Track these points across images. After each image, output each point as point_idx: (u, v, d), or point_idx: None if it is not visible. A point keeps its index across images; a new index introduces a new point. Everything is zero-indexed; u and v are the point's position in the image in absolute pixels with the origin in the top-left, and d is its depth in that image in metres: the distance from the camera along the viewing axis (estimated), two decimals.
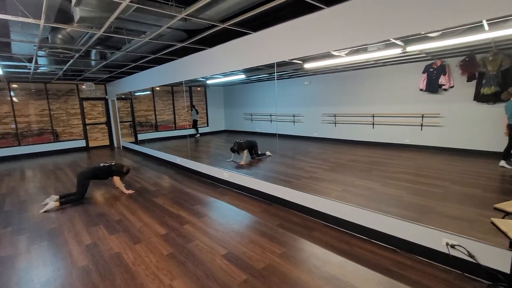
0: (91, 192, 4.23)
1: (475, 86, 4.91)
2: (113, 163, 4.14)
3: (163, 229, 2.93)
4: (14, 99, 7.79)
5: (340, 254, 2.36)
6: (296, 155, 6.14)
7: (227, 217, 3.22)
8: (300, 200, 3.21)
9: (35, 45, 3.78)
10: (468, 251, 1.97)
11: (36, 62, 5.00)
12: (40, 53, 4.39)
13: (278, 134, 9.00)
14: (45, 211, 3.55)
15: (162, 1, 2.71)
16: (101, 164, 4.10)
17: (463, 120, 5.20)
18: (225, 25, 3.13)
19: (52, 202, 3.64)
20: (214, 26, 3.26)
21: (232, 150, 5.39)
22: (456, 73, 5.12)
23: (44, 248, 2.63)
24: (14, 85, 7.74)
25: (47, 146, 8.34)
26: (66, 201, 3.76)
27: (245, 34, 3.52)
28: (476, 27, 2.40)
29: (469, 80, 4.95)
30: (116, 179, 4.15)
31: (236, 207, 3.53)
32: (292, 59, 3.30)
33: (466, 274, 2.00)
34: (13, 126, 7.79)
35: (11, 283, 2.11)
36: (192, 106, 10.01)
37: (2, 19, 2.87)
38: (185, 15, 2.79)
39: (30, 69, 5.64)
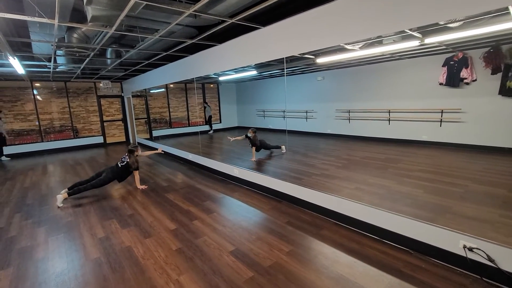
0: (106, 187, 4.36)
1: (500, 79, 4.62)
2: (127, 160, 4.19)
3: (173, 224, 2.97)
4: (38, 97, 8.17)
5: (349, 253, 2.29)
6: (308, 152, 6.05)
7: (236, 214, 3.22)
8: (310, 197, 3.15)
9: (52, 45, 3.91)
10: (487, 255, 1.86)
11: (55, 61, 5.19)
12: (58, 52, 4.55)
13: (291, 130, 8.93)
14: (59, 206, 3.68)
15: None
16: (119, 164, 4.16)
17: (486, 116, 4.92)
18: (233, 20, 3.10)
19: (60, 195, 3.74)
20: (223, 21, 3.23)
21: (247, 136, 5.42)
22: (480, 66, 4.83)
23: (60, 240, 2.74)
24: (37, 84, 8.11)
25: (68, 142, 8.70)
26: (74, 191, 3.84)
27: (254, 29, 3.47)
28: (502, 15, 2.23)
29: (493, 73, 4.66)
30: (136, 173, 4.30)
31: (245, 203, 3.53)
32: (302, 54, 3.22)
33: (484, 279, 1.88)
34: (37, 123, 8.18)
35: (29, 272, 2.22)
36: (205, 102, 10.10)
37: (22, 20, 2.99)
38: (194, 11, 2.78)
39: (50, 68, 5.87)
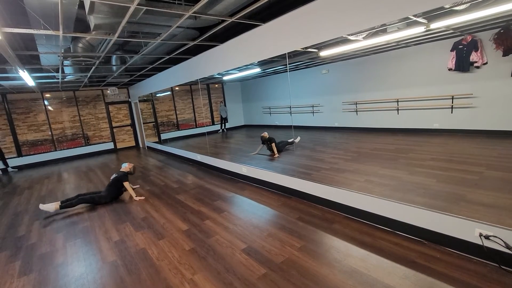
0: None
1: None
2: (117, 174, 4.16)
3: (185, 225, 3.02)
4: (49, 107, 8.40)
5: (362, 246, 2.27)
6: (316, 146, 6.01)
7: (246, 212, 3.24)
8: (320, 192, 3.14)
9: (59, 55, 4.01)
10: (505, 242, 1.81)
11: (63, 71, 5.32)
12: (65, 62, 4.66)
13: (298, 126, 8.88)
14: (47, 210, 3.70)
15: (170, 0, 2.74)
16: (112, 178, 4.16)
17: (499, 99, 4.76)
18: (233, 19, 3.10)
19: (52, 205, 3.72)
20: (223, 21, 3.24)
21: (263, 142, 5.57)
22: (490, 48, 4.67)
23: (78, 245, 2.83)
24: (47, 95, 8.34)
25: (79, 149, 8.93)
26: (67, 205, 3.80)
27: (255, 26, 3.46)
28: None
29: (505, 54, 4.49)
30: (127, 185, 4.08)
31: (255, 201, 3.54)
32: (305, 48, 3.19)
33: (503, 267, 1.83)
34: (50, 133, 8.42)
35: (50, 277, 2.30)
36: (221, 102, 10.25)
37: (28, 33, 3.08)
38: (193, 13, 2.79)
39: (58, 78, 6.02)
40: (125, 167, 4.34)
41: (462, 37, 4.94)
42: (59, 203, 3.79)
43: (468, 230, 1.98)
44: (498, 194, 2.68)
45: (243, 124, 11.34)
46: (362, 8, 2.33)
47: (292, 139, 6.11)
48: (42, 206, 3.70)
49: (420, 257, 2.05)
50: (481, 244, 1.91)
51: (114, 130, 9.68)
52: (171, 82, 6.50)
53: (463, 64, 5.02)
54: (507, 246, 1.80)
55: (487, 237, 1.88)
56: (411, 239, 2.31)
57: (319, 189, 3.15)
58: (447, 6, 2.36)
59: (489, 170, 3.34)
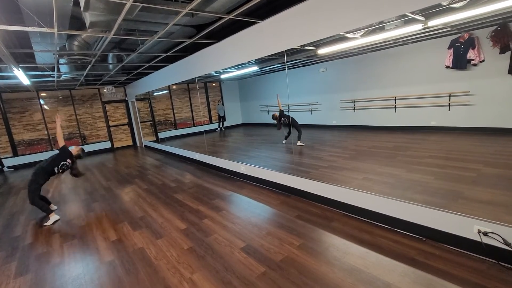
0: (116, 190, 4.42)
1: (509, 58, 4.47)
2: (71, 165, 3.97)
3: (183, 224, 3.00)
4: (45, 106, 8.31)
5: (361, 244, 2.27)
6: (315, 144, 6.01)
7: (245, 210, 3.22)
8: (319, 190, 3.13)
9: (54, 54, 3.95)
10: (503, 239, 1.81)
11: (58, 70, 5.26)
12: (61, 61, 4.61)
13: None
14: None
15: None
16: (56, 170, 3.93)
17: (496, 97, 4.77)
18: (231, 16, 3.07)
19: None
20: (220, 18, 3.21)
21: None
22: (487, 46, 4.68)
23: (75, 245, 2.80)
24: (43, 94, 8.25)
25: None
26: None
27: (252, 23, 3.43)
28: None
29: (502, 52, 4.50)
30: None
31: (254, 200, 3.53)
32: (302, 46, 3.17)
33: (501, 263, 1.84)
34: (46, 132, 8.34)
35: (47, 278, 2.27)
36: (218, 101, 10.25)
37: (23, 31, 3.03)
38: (190, 10, 2.76)
39: (54, 77, 5.95)
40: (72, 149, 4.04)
41: (460, 34, 4.94)
42: (52, 213, 3.54)
43: (467, 227, 1.98)
44: (495, 191, 2.69)
45: (241, 122, 11.31)
46: (360, 5, 2.31)
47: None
48: (48, 223, 3.43)
49: (419, 255, 2.05)
50: (480, 240, 1.91)
51: (111, 129, 9.61)
52: (169, 81, 6.46)
53: (460, 62, 5.03)
54: (506, 243, 1.80)
55: (485, 234, 1.88)
56: (410, 236, 2.31)
57: (318, 187, 3.14)
58: (444, 4, 2.36)
59: (486, 167, 3.35)
